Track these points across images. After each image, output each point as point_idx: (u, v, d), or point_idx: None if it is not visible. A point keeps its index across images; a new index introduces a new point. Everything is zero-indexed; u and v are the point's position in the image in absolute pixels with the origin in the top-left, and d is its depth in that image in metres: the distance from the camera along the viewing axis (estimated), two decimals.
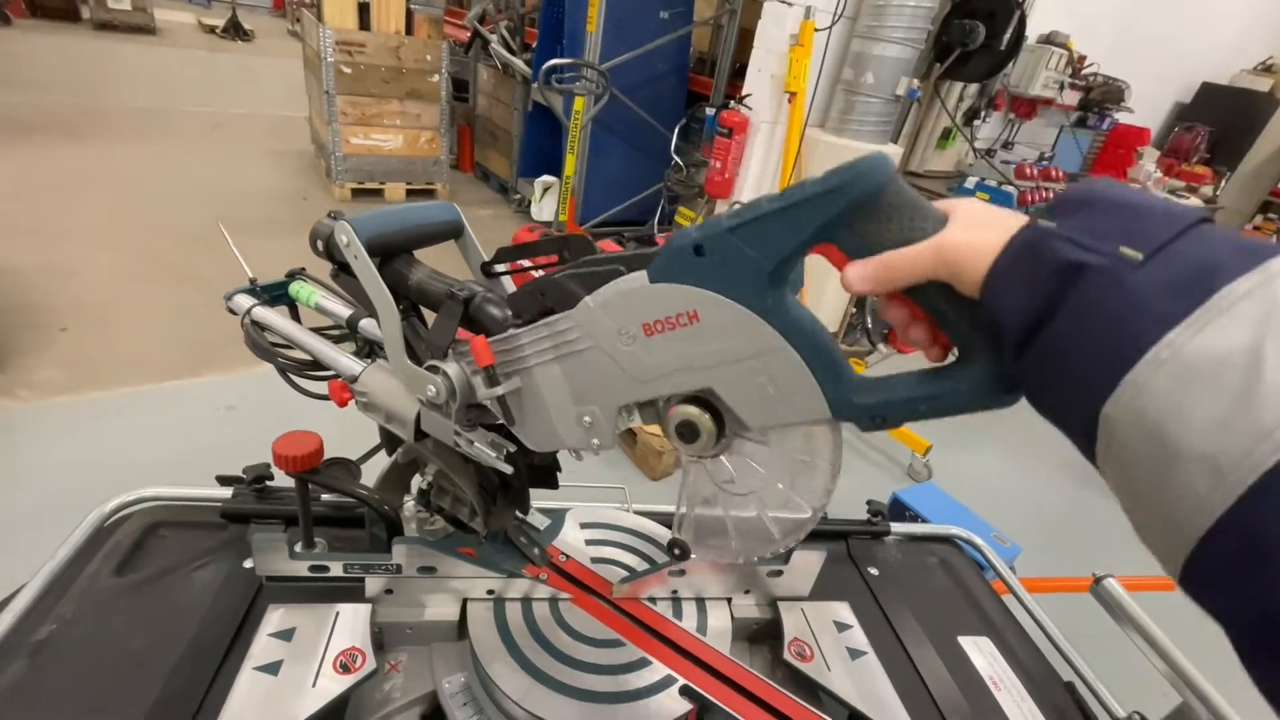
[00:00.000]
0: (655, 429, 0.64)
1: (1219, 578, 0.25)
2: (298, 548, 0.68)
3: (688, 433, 0.50)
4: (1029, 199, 3.42)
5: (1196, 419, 0.24)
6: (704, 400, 0.50)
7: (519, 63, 4.44)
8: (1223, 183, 5.34)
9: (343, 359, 0.73)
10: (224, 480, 0.93)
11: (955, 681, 0.84)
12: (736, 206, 0.41)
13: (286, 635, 0.60)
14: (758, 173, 3.29)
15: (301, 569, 0.64)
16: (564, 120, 3.49)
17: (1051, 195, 3.72)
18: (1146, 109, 4.98)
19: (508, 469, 0.61)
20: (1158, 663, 0.80)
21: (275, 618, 0.62)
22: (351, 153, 4.37)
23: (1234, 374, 0.24)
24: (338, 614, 0.63)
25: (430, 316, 0.65)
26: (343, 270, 0.73)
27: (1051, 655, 0.94)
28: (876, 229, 0.38)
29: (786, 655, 0.69)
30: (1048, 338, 0.29)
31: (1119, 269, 0.27)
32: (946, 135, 3.86)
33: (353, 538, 0.86)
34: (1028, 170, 3.72)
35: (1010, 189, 3.41)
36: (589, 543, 0.78)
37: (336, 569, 0.64)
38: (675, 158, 3.81)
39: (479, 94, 5.39)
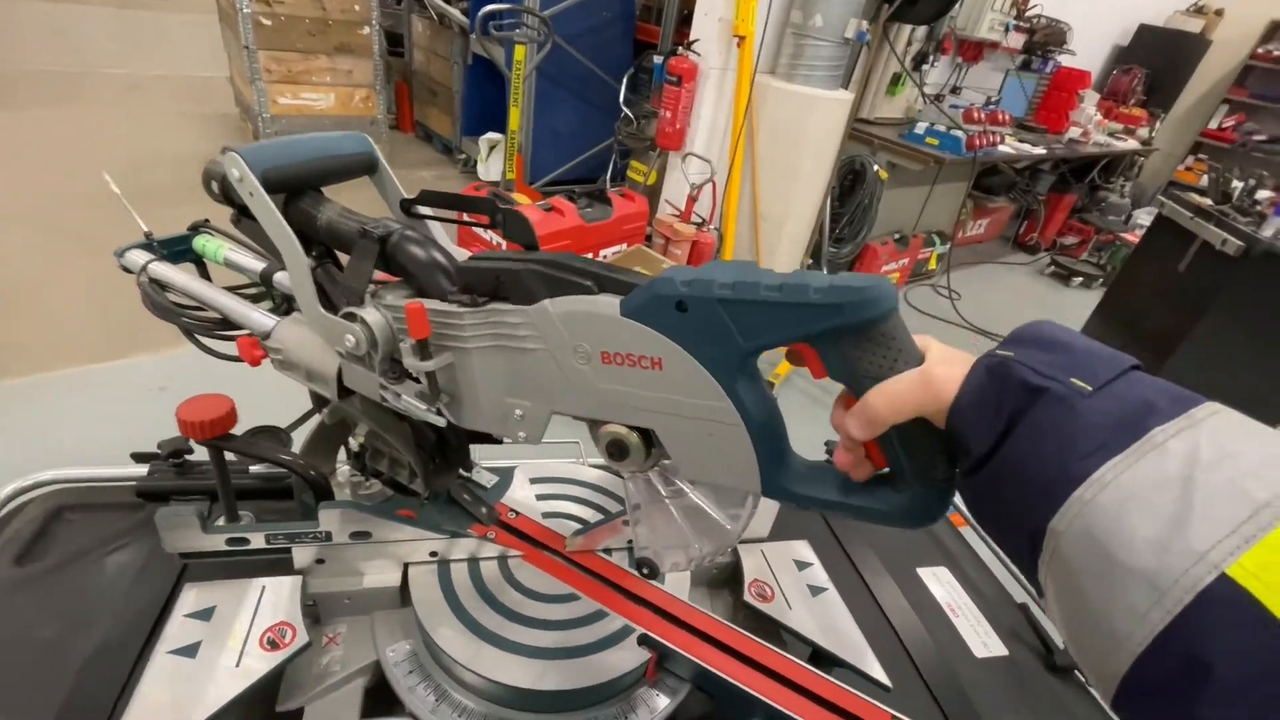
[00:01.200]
0: None
1: (1153, 698, 0.27)
2: (220, 522, 0.63)
3: (616, 451, 0.49)
4: (977, 143, 3.44)
5: (1137, 538, 0.27)
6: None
7: (455, 11, 4.19)
8: (1157, 124, 5.49)
9: (254, 314, 0.67)
10: (139, 457, 0.85)
11: (915, 611, 0.85)
12: (737, 270, 0.39)
13: (205, 615, 0.55)
14: (709, 122, 3.21)
15: (218, 543, 0.58)
16: (506, 72, 3.32)
17: (999, 139, 3.74)
18: (1087, 51, 5.04)
19: (441, 421, 0.56)
20: None
21: (191, 597, 0.57)
22: (280, 114, 4.09)
23: (1168, 500, 0.27)
24: (264, 588, 0.58)
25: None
26: (244, 214, 0.66)
27: (1006, 581, 0.96)
28: (859, 353, 0.38)
29: (747, 597, 0.67)
30: (1005, 451, 0.33)
31: (1072, 396, 0.31)
32: (896, 81, 3.82)
33: (287, 510, 0.80)
34: (975, 114, 3.74)
35: (959, 133, 3.42)
36: (540, 498, 0.75)
37: (258, 541, 0.59)
38: (624, 109, 3.69)
39: (414, 48, 5.09)
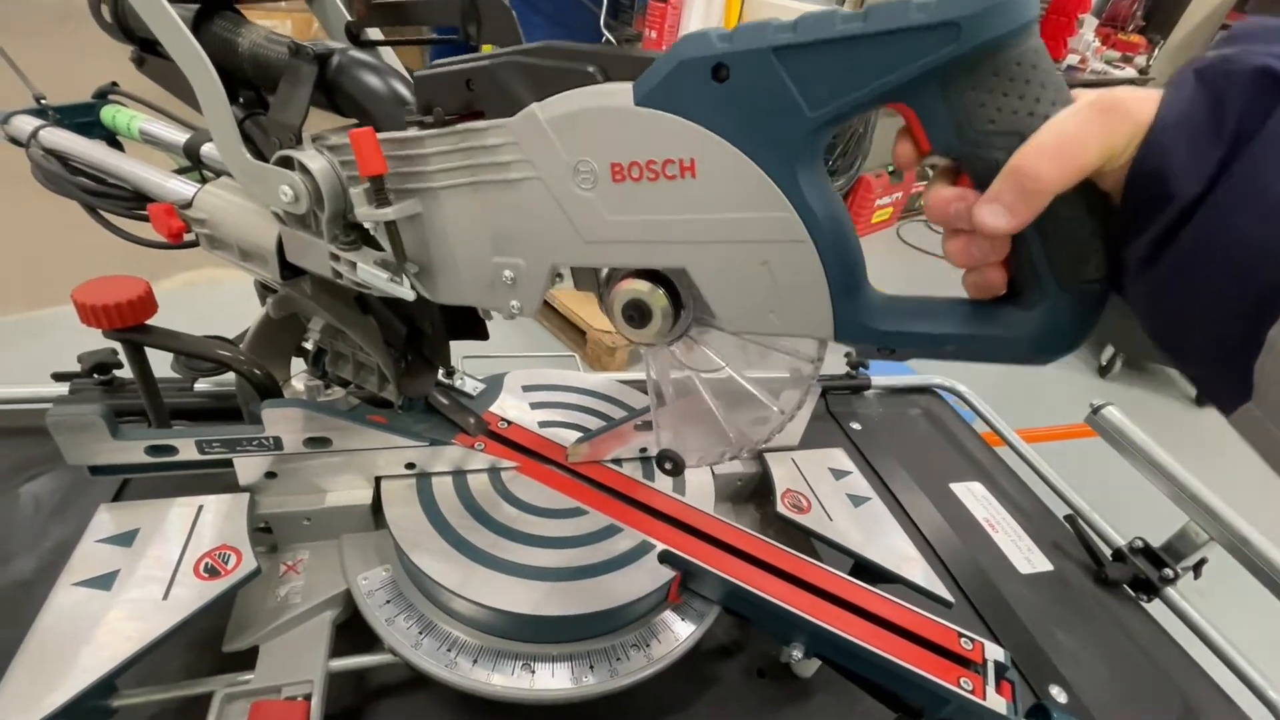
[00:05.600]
0: (607, 324, 0.49)
1: None
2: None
3: (636, 316, 0.38)
4: None
5: None
6: (661, 274, 0.37)
7: None
8: (1155, 52, 5.31)
9: (171, 182, 0.54)
10: (60, 376, 0.73)
11: (951, 527, 0.78)
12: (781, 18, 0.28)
13: (124, 539, 0.44)
14: None
15: (136, 453, 0.47)
16: None
17: None
18: None
19: (409, 295, 0.45)
20: (1162, 484, 0.75)
21: (107, 520, 0.46)
22: None
23: None
24: (200, 508, 0.47)
25: None
26: (148, 51, 0.52)
27: (1046, 496, 0.88)
28: (985, 98, 0.26)
29: (780, 508, 0.58)
30: (1234, 178, 0.22)
31: None
32: None
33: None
34: None
35: None
36: (535, 406, 0.64)
37: (188, 450, 0.47)
38: (606, 34, 3.45)
39: None
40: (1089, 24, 4.81)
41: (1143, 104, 0.24)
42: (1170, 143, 0.24)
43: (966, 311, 0.31)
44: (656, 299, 0.37)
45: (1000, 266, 0.29)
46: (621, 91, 0.32)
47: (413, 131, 0.39)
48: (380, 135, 0.39)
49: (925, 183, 3.62)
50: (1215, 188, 0.23)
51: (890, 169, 3.87)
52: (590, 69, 0.33)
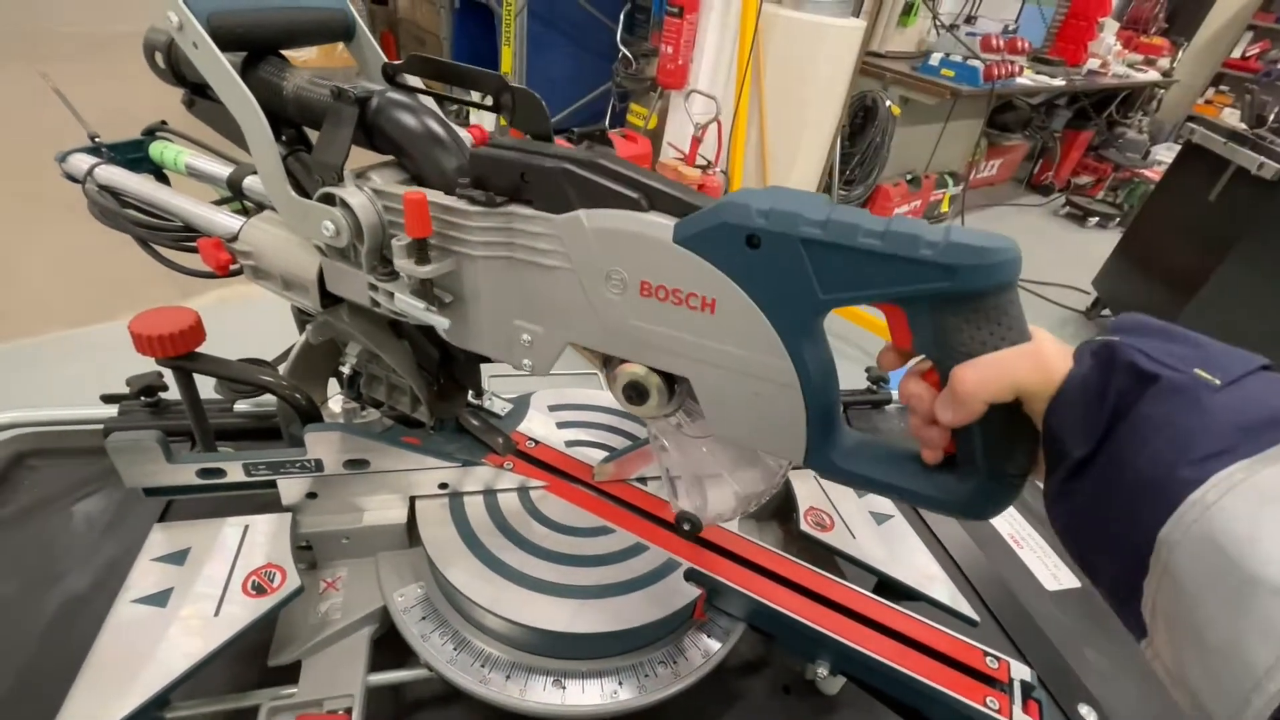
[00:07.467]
0: None
1: None
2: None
3: (635, 394, 0.42)
4: (995, 73, 3.25)
5: (1277, 545, 0.22)
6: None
7: None
8: (1179, 54, 5.24)
9: (219, 216, 0.57)
10: (109, 398, 0.76)
11: (976, 544, 0.78)
12: (822, 205, 0.33)
13: (177, 558, 0.47)
14: (713, 57, 3.03)
15: (188, 476, 0.49)
16: (496, 8, 3.13)
17: (1018, 69, 3.56)
18: None
19: (445, 324, 0.47)
20: None
21: (160, 539, 0.48)
22: None
23: None
24: (247, 528, 0.50)
25: None
26: (197, 94, 0.55)
27: None
28: (962, 325, 0.31)
29: (804, 526, 0.59)
30: (1108, 449, 0.28)
31: (1196, 387, 0.26)
32: (908, 11, 3.61)
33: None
34: (994, 42, 3.54)
35: (976, 63, 3.23)
36: (561, 425, 0.66)
37: (235, 472, 0.50)
38: (622, 49, 3.49)
39: None
40: (1110, 28, 4.76)
41: (1059, 360, 0.30)
42: (1069, 409, 0.29)
43: (915, 470, 0.37)
44: (653, 382, 0.41)
45: (948, 444, 0.36)
46: (663, 226, 0.36)
47: (463, 204, 0.41)
48: (430, 196, 0.41)
49: (943, 190, 3.55)
50: (1097, 455, 0.28)
51: (909, 177, 3.85)
52: (635, 196, 0.37)
